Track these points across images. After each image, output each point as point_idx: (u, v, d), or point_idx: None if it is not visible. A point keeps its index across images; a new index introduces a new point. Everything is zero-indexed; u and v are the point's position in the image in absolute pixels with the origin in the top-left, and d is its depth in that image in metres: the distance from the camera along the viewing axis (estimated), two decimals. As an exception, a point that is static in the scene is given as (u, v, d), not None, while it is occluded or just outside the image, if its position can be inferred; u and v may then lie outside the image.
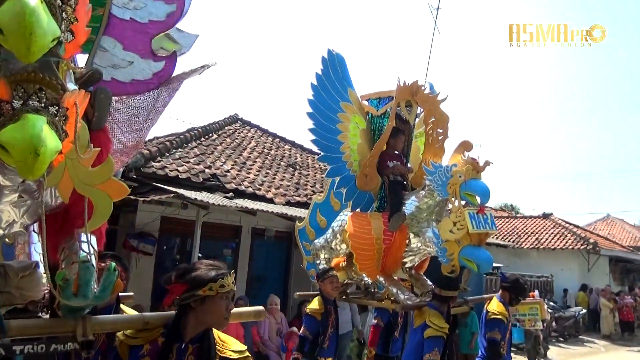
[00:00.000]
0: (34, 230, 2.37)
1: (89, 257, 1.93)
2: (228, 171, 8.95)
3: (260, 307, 2.41)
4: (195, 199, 6.43)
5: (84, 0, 1.62)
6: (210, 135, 10.67)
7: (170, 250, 8.74)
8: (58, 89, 1.53)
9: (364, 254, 4.28)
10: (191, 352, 1.97)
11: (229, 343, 2.06)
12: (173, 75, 2.44)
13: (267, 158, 11.23)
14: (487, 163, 3.94)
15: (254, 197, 8.40)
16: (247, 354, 2.06)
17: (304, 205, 9.24)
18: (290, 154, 12.53)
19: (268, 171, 10.27)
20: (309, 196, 9.84)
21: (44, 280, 2.22)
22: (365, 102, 4.64)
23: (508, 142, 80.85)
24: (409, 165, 4.70)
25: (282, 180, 10.12)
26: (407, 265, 4.45)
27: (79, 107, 1.61)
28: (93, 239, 2.03)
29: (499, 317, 4.47)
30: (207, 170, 8.41)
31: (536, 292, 11.55)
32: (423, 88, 4.45)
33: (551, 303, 14.42)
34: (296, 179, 10.67)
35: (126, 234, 7.80)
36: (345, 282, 5.05)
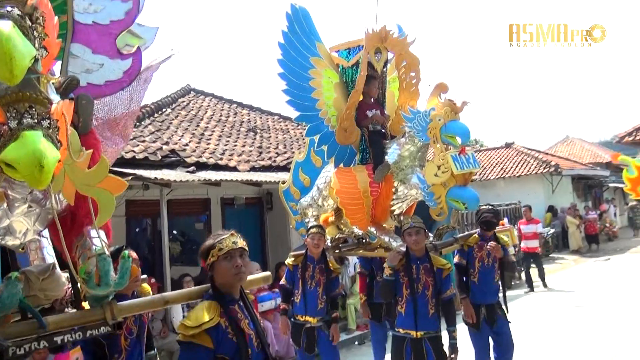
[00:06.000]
0: (43, 236, 2.55)
1: (104, 249, 2.12)
2: (187, 144, 8.68)
3: (267, 273, 2.63)
4: (155, 178, 6.21)
5: (50, 15, 1.73)
6: (164, 109, 10.28)
7: (143, 232, 8.57)
8: (46, 104, 1.66)
9: (353, 209, 4.28)
10: (243, 306, 2.28)
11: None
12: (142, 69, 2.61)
13: (225, 126, 10.94)
14: (464, 103, 3.93)
15: (217, 167, 8.20)
16: None
17: (268, 168, 9.13)
18: (249, 119, 12.26)
19: (228, 139, 10.03)
20: (273, 159, 9.72)
21: (64, 279, 2.44)
22: (335, 54, 4.49)
23: (470, 79, 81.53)
24: (385, 112, 4.62)
25: (243, 146, 9.92)
26: (395, 213, 4.48)
27: (67, 116, 1.75)
28: (102, 233, 2.20)
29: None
30: (164, 146, 8.12)
31: (505, 220, 11.98)
32: (391, 32, 4.32)
33: (521, 228, 14.95)
34: (258, 142, 10.48)
35: None
36: (337, 237, 5.05)
